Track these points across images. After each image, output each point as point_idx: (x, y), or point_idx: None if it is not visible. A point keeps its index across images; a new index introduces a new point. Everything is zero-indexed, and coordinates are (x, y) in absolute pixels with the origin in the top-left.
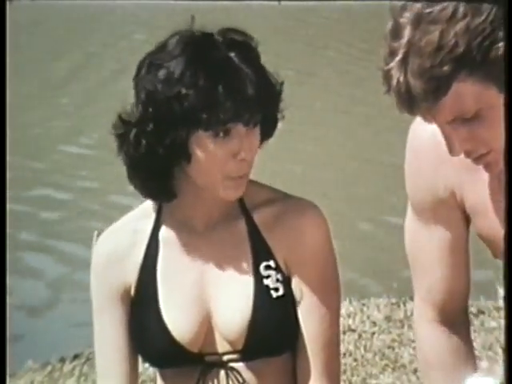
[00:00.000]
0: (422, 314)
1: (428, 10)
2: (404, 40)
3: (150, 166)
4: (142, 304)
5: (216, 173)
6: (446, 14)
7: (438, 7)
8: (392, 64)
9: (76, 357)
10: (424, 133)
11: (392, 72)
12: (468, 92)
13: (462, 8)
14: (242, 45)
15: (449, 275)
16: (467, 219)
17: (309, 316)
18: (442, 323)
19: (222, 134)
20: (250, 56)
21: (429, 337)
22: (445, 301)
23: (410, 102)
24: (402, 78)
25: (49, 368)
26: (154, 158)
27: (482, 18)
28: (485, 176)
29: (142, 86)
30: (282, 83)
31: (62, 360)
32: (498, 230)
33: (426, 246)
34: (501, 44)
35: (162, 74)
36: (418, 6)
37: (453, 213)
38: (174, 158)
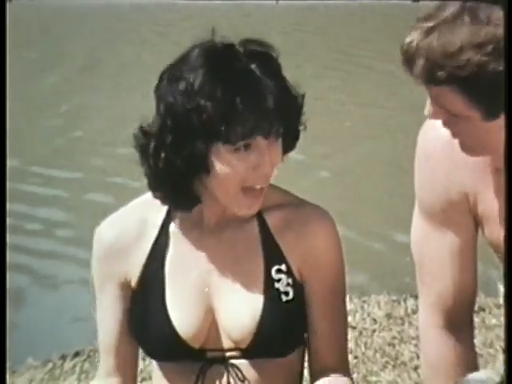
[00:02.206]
0: (430, 320)
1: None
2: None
3: (170, 177)
4: (146, 296)
5: (235, 186)
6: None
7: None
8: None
9: (77, 354)
10: (437, 136)
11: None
12: None
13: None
14: (264, 56)
15: (459, 281)
16: (477, 224)
17: (322, 320)
18: (449, 329)
19: (242, 148)
20: (271, 68)
21: (436, 343)
22: (454, 307)
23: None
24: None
25: (49, 365)
26: (174, 171)
27: None
28: (499, 182)
29: (161, 98)
30: (303, 95)
31: (63, 357)
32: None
33: (435, 250)
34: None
35: (181, 86)
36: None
37: (464, 217)
38: (193, 170)
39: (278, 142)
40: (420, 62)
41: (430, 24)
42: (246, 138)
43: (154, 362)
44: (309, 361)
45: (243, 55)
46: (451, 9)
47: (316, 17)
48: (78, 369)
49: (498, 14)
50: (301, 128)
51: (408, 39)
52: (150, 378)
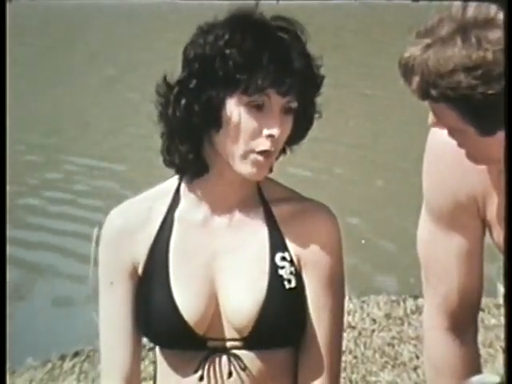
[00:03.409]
0: (434, 322)
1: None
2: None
3: (185, 130)
4: (151, 281)
5: (242, 144)
6: None
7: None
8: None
9: (76, 354)
10: (447, 139)
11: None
12: None
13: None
14: (293, 31)
15: (465, 283)
16: (484, 227)
17: (319, 314)
18: (453, 331)
19: (256, 105)
20: (299, 39)
21: (440, 344)
22: (459, 309)
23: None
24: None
25: (49, 365)
26: (190, 120)
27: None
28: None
29: (190, 49)
30: (323, 77)
31: (62, 357)
32: None
33: (443, 252)
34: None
35: (211, 37)
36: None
37: (472, 220)
38: (206, 121)
39: (289, 116)
40: (416, 79)
41: (428, 41)
42: (265, 90)
43: (157, 353)
44: (300, 354)
45: (273, 26)
46: (446, 28)
47: (316, 17)
48: (77, 369)
49: (489, 37)
50: (316, 115)
51: (406, 54)
52: (150, 378)
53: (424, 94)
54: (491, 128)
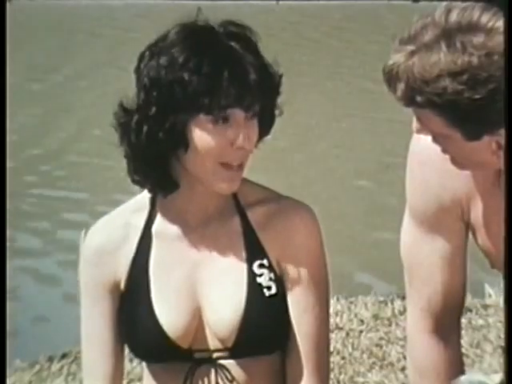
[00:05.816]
0: (418, 325)
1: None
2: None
3: (150, 154)
4: (133, 298)
5: (212, 161)
6: None
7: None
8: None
9: (64, 356)
10: (431, 143)
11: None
12: None
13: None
14: (242, 35)
15: (448, 286)
16: (468, 230)
17: (302, 316)
18: (437, 334)
19: (221, 121)
20: (250, 45)
21: (424, 347)
22: (443, 312)
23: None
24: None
25: (37, 367)
26: (154, 145)
27: None
28: (492, 190)
29: (144, 74)
30: (281, 75)
31: (50, 359)
32: (499, 243)
33: (426, 256)
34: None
35: (164, 60)
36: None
37: (456, 224)
38: (172, 144)
39: (254, 121)
40: (401, 86)
41: (411, 47)
42: (228, 109)
43: (143, 364)
44: (287, 359)
45: (223, 34)
46: (430, 33)
47: (316, 17)
48: (65, 370)
49: (473, 41)
50: (276, 112)
51: (390, 61)
52: (138, 379)
53: (409, 100)
54: (478, 132)
